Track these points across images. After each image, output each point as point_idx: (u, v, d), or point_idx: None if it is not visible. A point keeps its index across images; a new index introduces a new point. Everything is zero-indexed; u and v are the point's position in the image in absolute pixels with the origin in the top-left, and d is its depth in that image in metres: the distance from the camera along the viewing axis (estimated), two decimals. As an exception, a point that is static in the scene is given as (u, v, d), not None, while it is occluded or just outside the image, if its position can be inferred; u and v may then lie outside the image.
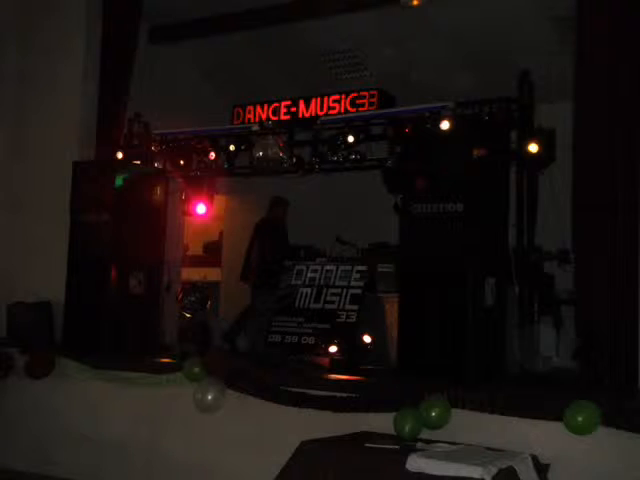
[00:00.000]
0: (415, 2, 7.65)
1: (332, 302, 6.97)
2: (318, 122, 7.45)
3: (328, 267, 7.20)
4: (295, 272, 7.34)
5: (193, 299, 7.89)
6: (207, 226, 11.19)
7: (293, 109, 8.07)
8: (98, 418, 6.74)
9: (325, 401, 5.65)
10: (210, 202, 8.81)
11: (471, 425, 5.15)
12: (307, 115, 7.93)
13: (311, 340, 6.86)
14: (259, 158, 7.54)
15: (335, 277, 7.10)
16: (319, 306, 7.02)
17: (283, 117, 8.06)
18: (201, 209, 8.74)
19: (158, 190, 8.05)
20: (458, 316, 5.90)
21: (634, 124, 5.68)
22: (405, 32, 9.19)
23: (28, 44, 8.66)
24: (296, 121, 7.88)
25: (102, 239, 7.55)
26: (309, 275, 7.25)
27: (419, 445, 4.82)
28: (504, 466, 4.39)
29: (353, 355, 6.68)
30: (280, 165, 7.53)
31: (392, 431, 5.07)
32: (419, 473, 4.36)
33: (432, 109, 6.67)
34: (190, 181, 8.41)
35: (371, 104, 7.68)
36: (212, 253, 11.97)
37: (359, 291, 6.93)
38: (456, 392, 5.24)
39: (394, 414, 5.13)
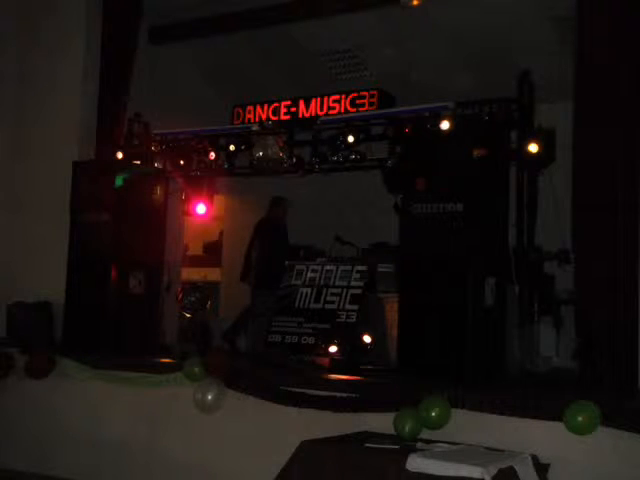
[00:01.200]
0: (415, 2, 7.65)
1: (332, 302, 6.97)
2: (318, 122, 7.45)
3: (328, 267, 7.20)
4: (295, 272, 7.34)
5: (193, 299, 7.88)
6: (207, 226, 11.20)
7: (293, 109, 8.07)
8: (98, 418, 6.73)
9: (325, 401, 5.65)
10: (210, 202, 8.83)
11: (471, 425, 5.15)
12: (307, 115, 7.94)
13: (311, 340, 6.86)
14: (259, 158, 7.54)
15: (335, 277, 7.10)
16: (319, 306, 7.02)
17: (283, 117, 8.07)
18: (201, 209, 8.75)
19: (158, 190, 8.05)
20: (458, 316, 5.91)
21: (634, 124, 5.68)
22: (405, 32, 9.19)
23: (28, 44, 8.66)
24: (296, 121, 7.88)
25: (102, 239, 7.56)
26: (309, 275, 7.25)
27: (419, 445, 4.82)
28: (504, 466, 4.38)
29: (353, 355, 6.68)
30: (280, 165, 7.53)
31: (392, 431, 5.07)
32: (419, 473, 4.35)
33: (432, 109, 6.66)
34: (190, 181, 8.41)
35: (371, 104, 7.69)
36: (212, 253, 11.97)
37: (359, 291, 6.93)
38: (456, 392, 5.24)
39: (394, 414, 5.13)
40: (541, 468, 4.74)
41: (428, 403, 5.13)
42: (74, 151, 8.14)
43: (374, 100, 7.69)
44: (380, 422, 5.29)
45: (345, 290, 6.96)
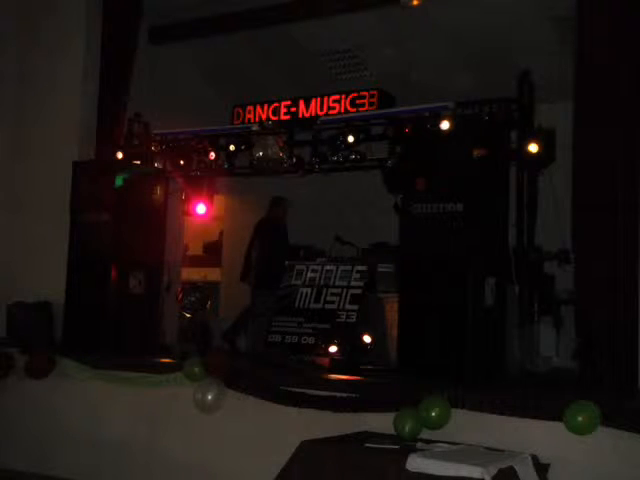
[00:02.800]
0: (415, 2, 7.65)
1: (332, 302, 6.97)
2: (318, 122, 7.45)
3: (328, 267, 7.20)
4: (295, 272, 7.34)
5: (193, 299, 7.89)
6: (207, 226, 11.21)
7: (293, 109, 8.07)
8: (98, 418, 6.73)
9: (325, 401, 5.65)
10: (210, 202, 8.83)
11: (471, 425, 5.15)
12: (307, 115, 7.94)
13: (311, 340, 6.86)
14: (259, 158, 7.54)
15: (335, 277, 7.10)
16: (319, 306, 7.01)
17: (283, 117, 8.06)
18: (201, 209, 8.75)
19: (158, 190, 8.05)
20: (458, 316, 5.91)
21: (634, 124, 5.68)
22: (405, 32, 9.19)
23: (28, 44, 8.66)
24: (296, 121, 7.88)
25: (102, 239, 7.56)
26: (309, 275, 7.25)
27: (419, 445, 4.82)
28: (504, 466, 4.38)
29: (353, 355, 6.68)
30: (280, 165, 7.53)
31: (392, 431, 5.07)
32: (419, 473, 4.35)
33: (432, 109, 6.66)
34: (190, 181, 8.41)
35: (371, 104, 7.69)
36: (212, 253, 11.97)
37: (359, 291, 6.93)
38: (456, 392, 5.24)
39: (394, 414, 5.13)
40: (541, 468, 4.74)
41: (428, 403, 5.13)
42: (74, 151, 8.14)
43: (374, 100, 7.69)
44: (380, 422, 5.29)
45: (345, 290, 6.96)
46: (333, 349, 6.72)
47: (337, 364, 6.60)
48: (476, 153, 6.14)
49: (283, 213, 9.07)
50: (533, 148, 6.79)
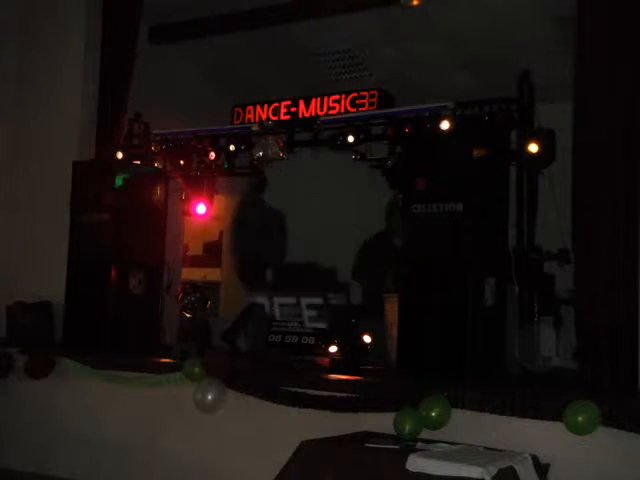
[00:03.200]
0: (415, 2, 7.65)
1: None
2: (318, 122, 7.45)
3: (328, 267, 7.22)
4: (295, 272, 7.36)
5: (193, 299, 7.87)
6: (207, 226, 11.18)
7: (293, 109, 8.05)
8: (98, 418, 6.73)
9: (325, 401, 5.65)
10: (210, 202, 8.81)
11: (471, 425, 5.14)
12: (307, 115, 7.92)
13: (311, 340, 6.86)
14: (259, 158, 7.54)
15: (335, 277, 7.11)
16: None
17: (283, 117, 8.04)
18: (201, 209, 8.73)
19: (158, 190, 8.05)
20: (458, 316, 5.90)
21: (634, 124, 5.68)
22: (405, 32, 9.19)
23: (28, 44, 8.66)
24: (296, 121, 7.87)
25: (102, 239, 7.56)
26: (309, 275, 7.27)
27: (419, 445, 4.81)
28: (504, 466, 4.38)
29: (353, 355, 6.68)
30: (280, 165, 7.55)
31: (392, 431, 5.07)
32: (419, 473, 4.35)
33: (432, 109, 6.67)
34: (190, 181, 8.41)
35: (371, 104, 7.67)
36: (212, 253, 11.95)
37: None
38: (456, 392, 5.24)
39: (394, 414, 5.13)
40: (541, 468, 4.73)
41: (428, 403, 5.13)
42: (74, 151, 8.14)
43: (374, 100, 7.66)
44: (380, 422, 5.28)
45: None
46: (333, 349, 6.72)
47: (337, 364, 6.60)
48: (476, 153, 6.14)
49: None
50: (533, 148, 6.77)
